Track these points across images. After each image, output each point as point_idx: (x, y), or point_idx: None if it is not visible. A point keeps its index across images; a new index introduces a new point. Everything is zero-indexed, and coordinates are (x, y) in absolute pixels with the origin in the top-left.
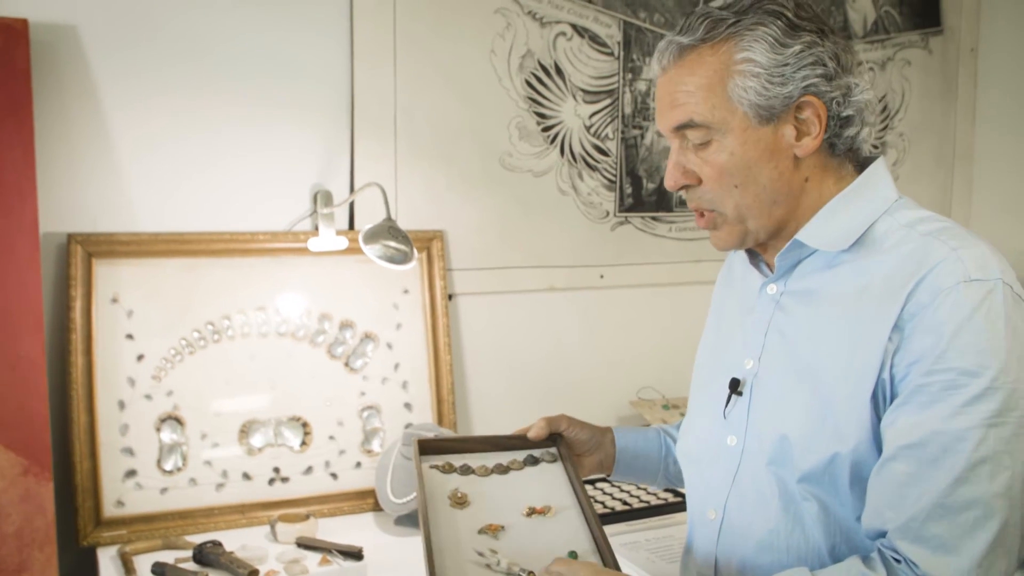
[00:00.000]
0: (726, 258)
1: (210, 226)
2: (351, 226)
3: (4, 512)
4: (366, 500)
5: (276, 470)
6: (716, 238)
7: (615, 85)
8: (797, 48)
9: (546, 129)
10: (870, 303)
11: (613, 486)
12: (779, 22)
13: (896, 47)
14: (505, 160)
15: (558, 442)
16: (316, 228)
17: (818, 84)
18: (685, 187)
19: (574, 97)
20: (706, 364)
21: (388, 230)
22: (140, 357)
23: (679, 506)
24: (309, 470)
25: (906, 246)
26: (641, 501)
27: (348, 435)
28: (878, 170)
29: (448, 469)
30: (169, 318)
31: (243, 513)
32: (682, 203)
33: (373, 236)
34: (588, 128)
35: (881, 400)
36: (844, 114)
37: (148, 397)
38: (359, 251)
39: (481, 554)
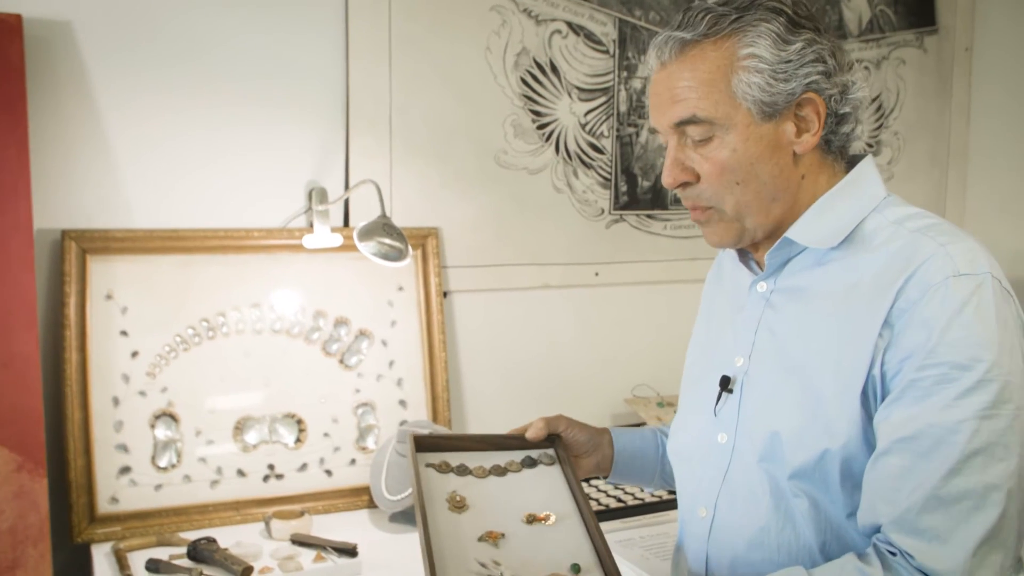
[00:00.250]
0: (716, 256)
1: (205, 223)
2: (346, 223)
3: None
4: (361, 497)
5: (271, 467)
6: (711, 235)
7: (610, 83)
8: (799, 45)
9: (541, 127)
10: (860, 300)
11: (608, 483)
12: (781, 19)
13: (891, 46)
14: (500, 158)
15: (556, 443)
16: (311, 225)
17: (819, 81)
18: (683, 184)
19: (569, 95)
20: (696, 362)
21: (383, 227)
22: (135, 354)
23: (673, 503)
24: (304, 467)
25: (895, 243)
26: (636, 498)
27: (343, 432)
28: (866, 168)
29: (445, 469)
30: (164, 315)
31: (238, 510)
32: (677, 201)
33: (368, 233)
34: (583, 126)
35: (872, 397)
36: (841, 111)
37: (142, 394)
38: (354, 248)
39: (484, 565)
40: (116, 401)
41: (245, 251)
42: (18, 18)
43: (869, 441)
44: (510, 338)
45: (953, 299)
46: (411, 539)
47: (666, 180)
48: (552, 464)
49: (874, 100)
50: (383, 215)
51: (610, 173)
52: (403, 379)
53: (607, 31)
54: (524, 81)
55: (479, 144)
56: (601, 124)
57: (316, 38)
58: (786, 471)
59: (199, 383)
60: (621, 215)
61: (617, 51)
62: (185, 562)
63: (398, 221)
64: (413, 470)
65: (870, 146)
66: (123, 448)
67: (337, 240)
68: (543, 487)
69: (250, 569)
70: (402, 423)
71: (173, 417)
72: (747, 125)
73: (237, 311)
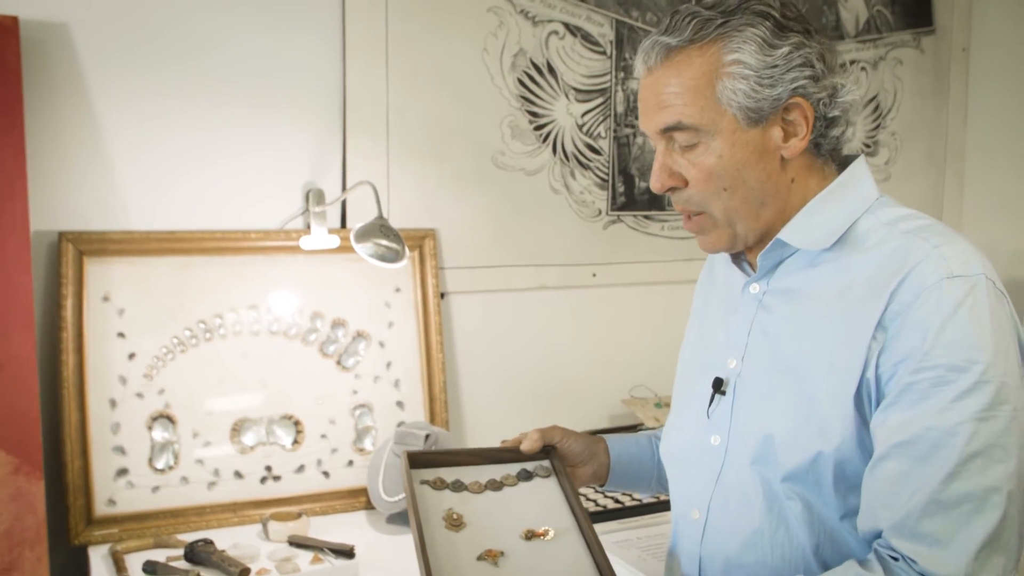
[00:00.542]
0: (707, 258)
1: (202, 224)
2: (343, 225)
3: None
4: (358, 498)
5: (268, 468)
6: (704, 242)
7: (607, 84)
8: (786, 49)
9: (538, 128)
10: (853, 302)
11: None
12: (767, 23)
13: (888, 46)
14: (497, 159)
15: (551, 455)
16: (308, 226)
17: (806, 86)
18: (672, 189)
19: (566, 96)
20: (689, 364)
21: (379, 228)
22: (132, 355)
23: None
24: (301, 468)
25: (888, 245)
26: (633, 499)
27: (340, 433)
28: (859, 169)
29: (440, 485)
30: (161, 316)
31: (235, 512)
32: None
33: (364, 234)
34: (580, 127)
35: (866, 400)
36: (830, 115)
37: (140, 395)
38: (351, 249)
39: None
40: (113, 403)
41: (242, 253)
42: (14, 20)
43: (863, 443)
44: (508, 339)
45: (947, 301)
46: (408, 540)
47: (654, 185)
48: (548, 476)
49: (871, 100)
50: (380, 216)
51: (607, 174)
52: (400, 380)
53: (604, 32)
54: (521, 82)
55: (476, 145)
56: (598, 125)
57: (313, 39)
58: (779, 473)
59: (196, 385)
60: (618, 216)
61: (614, 52)
62: (182, 564)
63: (395, 222)
64: (408, 489)
65: (867, 146)
66: (120, 450)
67: (334, 241)
68: (540, 501)
69: (247, 571)
70: (400, 424)
71: (170, 419)
72: (733, 131)
73: (234, 313)
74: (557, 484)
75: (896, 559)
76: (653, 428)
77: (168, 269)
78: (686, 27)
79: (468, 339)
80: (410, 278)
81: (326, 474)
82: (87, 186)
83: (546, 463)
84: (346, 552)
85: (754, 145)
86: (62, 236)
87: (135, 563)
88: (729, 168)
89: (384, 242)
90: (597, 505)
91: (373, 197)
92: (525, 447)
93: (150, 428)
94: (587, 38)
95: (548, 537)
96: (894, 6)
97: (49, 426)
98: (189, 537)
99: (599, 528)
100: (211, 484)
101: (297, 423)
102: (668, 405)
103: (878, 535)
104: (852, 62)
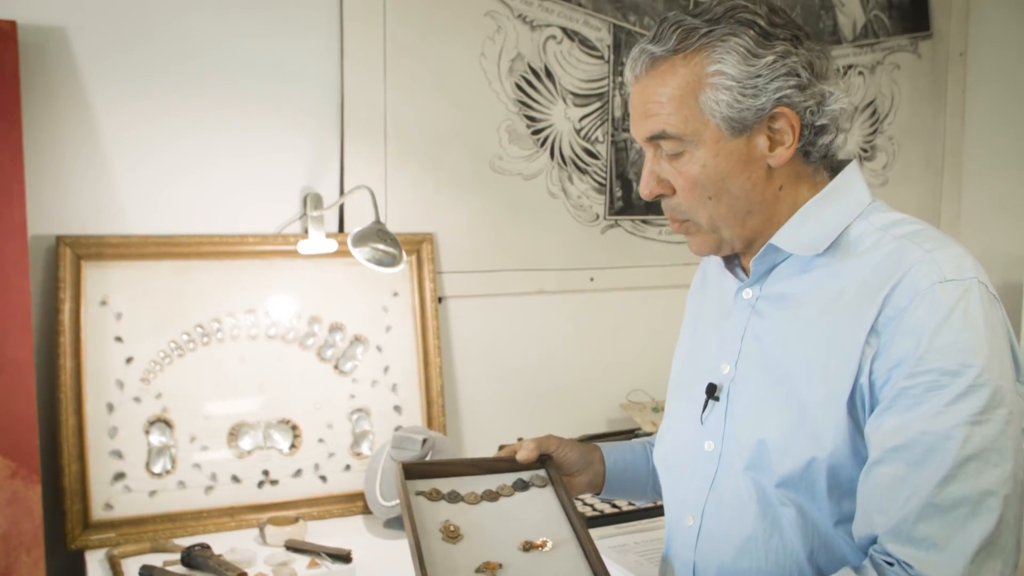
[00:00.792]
0: (700, 263)
1: (200, 229)
2: (341, 229)
3: None
4: (355, 503)
5: (265, 473)
6: (692, 244)
7: (605, 88)
8: (770, 59)
9: (536, 132)
10: (846, 307)
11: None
12: (751, 31)
13: (885, 51)
14: (495, 163)
15: (547, 464)
16: (306, 231)
17: (791, 95)
18: (661, 196)
19: (564, 100)
20: (683, 369)
21: (377, 233)
22: (129, 360)
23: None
24: (298, 473)
25: (880, 250)
26: (630, 504)
27: (337, 438)
28: (851, 174)
29: (436, 496)
30: (158, 321)
31: (232, 516)
32: None
33: (362, 239)
34: (578, 131)
35: (860, 406)
36: (818, 123)
37: (137, 400)
38: (349, 254)
39: None
40: (110, 407)
41: (240, 257)
42: (12, 24)
43: (857, 449)
44: (505, 343)
45: (940, 305)
46: (405, 545)
47: (642, 191)
48: (544, 486)
49: (869, 105)
50: (377, 221)
51: (605, 178)
52: (398, 385)
53: (602, 36)
54: (519, 87)
55: (474, 149)
56: (596, 130)
57: (311, 44)
58: (773, 479)
59: (194, 389)
60: (616, 220)
61: (612, 57)
62: (179, 568)
63: (393, 227)
64: (404, 501)
65: (865, 151)
66: (117, 454)
67: (332, 246)
68: (537, 511)
69: (244, 575)
70: (397, 429)
71: (167, 423)
72: (717, 141)
73: (232, 317)
74: (553, 494)
75: (892, 564)
76: (650, 433)
77: (166, 273)
78: (671, 36)
79: (466, 343)
80: (408, 282)
81: (323, 478)
82: (85, 190)
83: (542, 473)
84: (343, 556)
85: (738, 154)
86: (60, 240)
87: (132, 568)
88: (713, 177)
89: (381, 246)
90: (594, 510)
91: (371, 201)
92: (521, 457)
93: (147, 432)
94: (584, 43)
95: (546, 548)
96: (891, 11)
97: (46, 430)
98: (186, 542)
99: (596, 533)
100: (208, 488)
101: (294, 427)
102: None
103: (874, 541)
104: (849, 67)
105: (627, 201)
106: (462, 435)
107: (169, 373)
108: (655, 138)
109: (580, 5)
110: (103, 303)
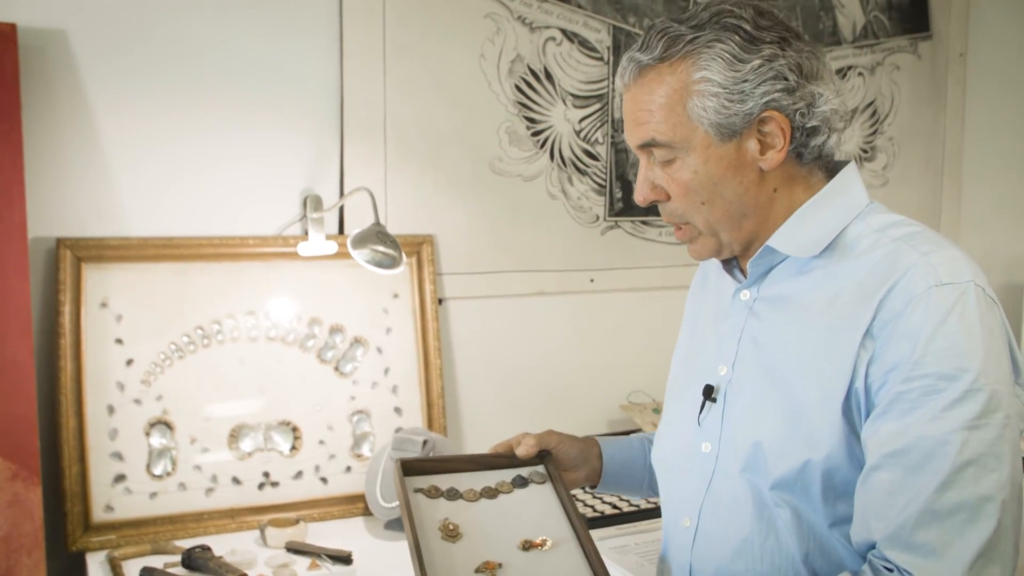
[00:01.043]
0: (700, 264)
1: (200, 230)
2: (341, 231)
3: None
4: (356, 504)
5: (266, 474)
6: (693, 251)
7: (605, 90)
8: (756, 63)
9: (536, 134)
10: (841, 309)
11: (596, 493)
12: (736, 36)
13: (885, 52)
14: (495, 165)
15: (546, 460)
16: (306, 233)
17: (779, 98)
18: (655, 201)
19: (564, 102)
20: (681, 371)
21: (376, 235)
22: (129, 362)
23: None
24: (299, 474)
25: (877, 252)
26: (631, 505)
27: (338, 439)
28: (848, 175)
29: (434, 493)
30: (158, 323)
31: (233, 518)
32: None
33: (361, 241)
34: (578, 133)
35: (856, 410)
36: (809, 125)
37: (137, 402)
38: (349, 256)
39: None
40: (111, 409)
41: (240, 259)
42: (12, 27)
43: (852, 452)
44: (505, 345)
45: (936, 309)
46: (406, 546)
47: (637, 198)
48: (543, 482)
49: (869, 106)
50: (376, 222)
51: (605, 180)
52: (398, 386)
53: (601, 38)
54: (518, 88)
55: (474, 151)
56: (596, 131)
57: (311, 46)
58: (768, 481)
59: (194, 391)
60: (616, 222)
61: (611, 58)
62: (180, 570)
63: (393, 228)
64: (402, 499)
65: (865, 152)
66: (118, 456)
67: (332, 248)
68: (536, 508)
69: None
70: (397, 430)
71: (168, 425)
72: (706, 147)
73: (232, 319)
74: (552, 490)
75: (891, 570)
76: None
77: (166, 275)
78: (657, 44)
79: (466, 345)
80: (408, 284)
81: (324, 480)
82: (85, 192)
83: (541, 469)
84: (344, 558)
85: (729, 159)
86: (60, 242)
87: (132, 569)
88: (705, 183)
89: (381, 248)
90: (595, 511)
91: (370, 203)
92: (521, 453)
93: (148, 434)
94: (584, 44)
95: (545, 547)
96: (891, 12)
97: (47, 432)
98: (187, 543)
99: (597, 534)
100: (209, 490)
101: (295, 429)
102: None
103: (872, 546)
104: (849, 68)
105: (627, 202)
106: (462, 436)
107: (169, 375)
108: (646, 145)
109: (579, 7)
110: (103, 305)
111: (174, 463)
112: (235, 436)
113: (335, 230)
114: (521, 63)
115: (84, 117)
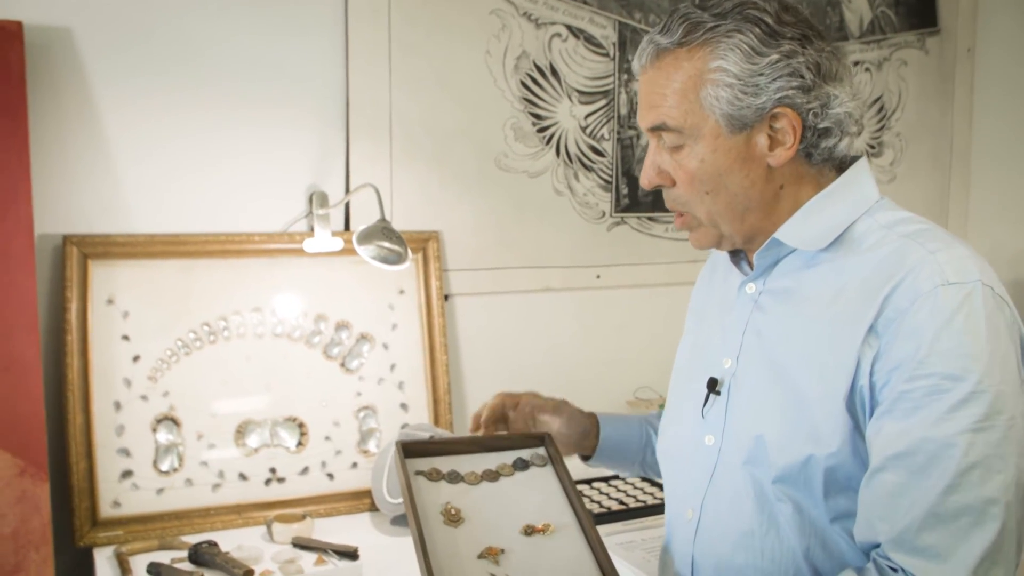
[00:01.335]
0: (710, 256)
1: (206, 227)
2: (347, 227)
3: (0, 513)
4: (362, 500)
5: (272, 470)
6: (693, 239)
7: (610, 86)
8: (774, 57)
9: (542, 130)
10: (846, 304)
11: (610, 485)
12: (757, 29)
13: (892, 47)
14: (501, 161)
15: (547, 442)
16: (312, 229)
17: (793, 96)
18: (659, 186)
19: (569, 98)
20: (685, 363)
21: (382, 231)
22: (136, 358)
23: None
24: (305, 470)
25: (884, 248)
26: (637, 501)
27: (344, 436)
28: (859, 170)
29: (436, 476)
30: (165, 319)
31: (239, 513)
32: None
33: (367, 237)
34: (584, 129)
35: (860, 407)
36: (821, 126)
37: (144, 398)
38: (354, 252)
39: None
40: (118, 405)
41: (246, 255)
42: (19, 25)
43: (856, 448)
44: (511, 341)
45: (943, 309)
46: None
47: (642, 180)
48: (544, 465)
49: (876, 101)
50: (383, 219)
51: (611, 176)
52: (404, 382)
53: (607, 34)
54: (524, 84)
55: (479, 147)
56: (602, 127)
57: (316, 42)
58: (770, 475)
59: (201, 387)
60: (622, 218)
61: (617, 54)
62: (187, 566)
63: (399, 225)
64: (404, 482)
65: (872, 147)
66: (125, 452)
67: (338, 244)
68: (537, 492)
69: (251, 572)
70: (403, 426)
71: (175, 421)
72: (716, 137)
73: (238, 315)
74: (554, 473)
75: (895, 570)
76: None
77: (172, 272)
78: (677, 29)
79: (472, 341)
80: (414, 280)
81: (330, 476)
82: (91, 189)
83: (542, 451)
84: (350, 554)
85: (737, 152)
86: (66, 239)
87: (140, 565)
88: (711, 173)
89: (387, 244)
90: (601, 507)
91: (376, 199)
92: (485, 416)
93: (154, 430)
94: (590, 40)
95: (548, 532)
96: (898, 7)
97: (54, 428)
98: (193, 539)
99: (602, 530)
100: (215, 486)
101: (301, 425)
102: None
103: (876, 545)
104: (856, 63)
105: (633, 198)
106: (468, 433)
107: (176, 371)
108: (656, 129)
109: (585, 3)
110: (110, 302)
111: (181, 459)
112: (241, 432)
113: (341, 226)
114: (527, 59)
115: (90, 114)
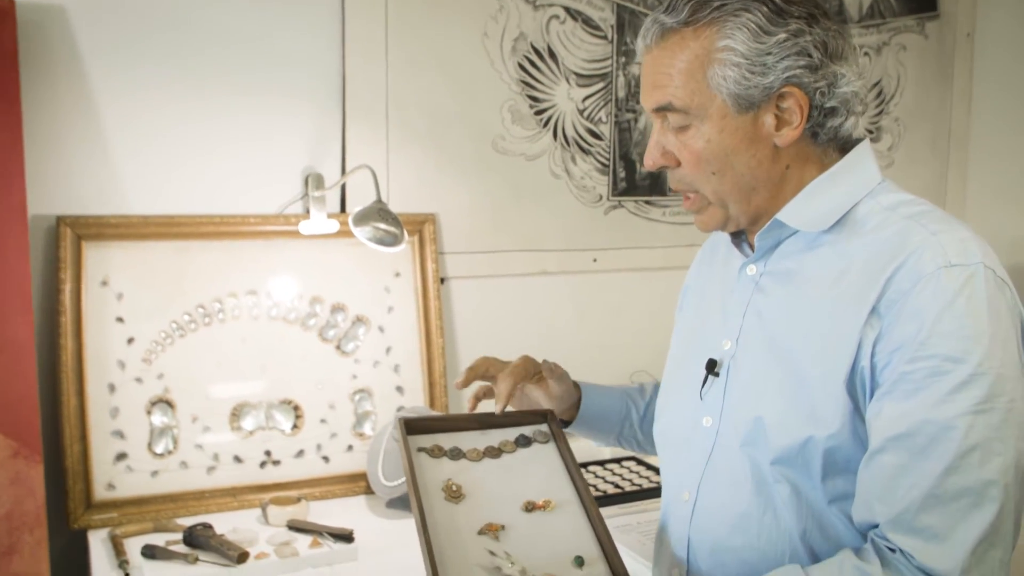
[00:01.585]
0: (709, 237)
1: (201, 209)
2: (343, 209)
3: None
4: (357, 483)
5: (267, 453)
6: (700, 221)
7: (608, 68)
8: (781, 36)
9: (539, 112)
10: (848, 286)
11: (606, 469)
12: (764, 8)
13: (892, 32)
14: (498, 143)
15: (549, 419)
16: (307, 211)
17: (800, 75)
18: (664, 167)
19: (567, 80)
20: (683, 344)
21: (378, 212)
22: (130, 340)
23: None
24: (300, 453)
25: (886, 229)
26: (633, 484)
27: (339, 418)
28: (862, 152)
29: (437, 453)
30: (159, 301)
31: (234, 496)
32: None
33: (363, 218)
34: (581, 112)
35: (860, 388)
36: (828, 105)
37: (138, 380)
38: (350, 234)
39: (493, 553)
40: (112, 388)
41: (241, 237)
42: (11, 3)
43: (856, 431)
44: (507, 324)
45: (945, 290)
46: (407, 525)
47: (646, 161)
48: (547, 442)
49: (875, 86)
50: (379, 200)
51: (608, 159)
52: (400, 365)
53: (605, 16)
54: (522, 67)
55: (476, 130)
56: (599, 110)
57: (312, 24)
58: (768, 456)
59: (195, 369)
60: (619, 201)
61: (615, 37)
62: (181, 548)
63: (395, 207)
64: (406, 458)
65: (871, 132)
66: (119, 434)
67: (333, 226)
68: (539, 469)
69: (246, 555)
70: (399, 409)
71: (169, 403)
72: (722, 116)
73: (233, 297)
74: (556, 450)
75: (893, 551)
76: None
77: (167, 254)
78: (684, 8)
79: (468, 324)
80: (410, 263)
81: (325, 459)
82: (85, 170)
83: (544, 428)
84: (345, 536)
85: (743, 131)
86: (60, 220)
87: (134, 547)
88: (718, 153)
89: (383, 226)
90: (597, 490)
91: (372, 181)
92: (458, 384)
93: (149, 413)
94: (588, 22)
95: (548, 508)
96: None
97: (48, 410)
98: (188, 521)
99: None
100: (210, 469)
101: (296, 408)
102: None
103: (874, 526)
104: (855, 47)
105: (630, 182)
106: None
107: (171, 354)
108: (662, 109)
109: None
110: (104, 283)
111: (175, 442)
112: (236, 415)
113: (337, 208)
114: (524, 41)
115: (84, 94)
